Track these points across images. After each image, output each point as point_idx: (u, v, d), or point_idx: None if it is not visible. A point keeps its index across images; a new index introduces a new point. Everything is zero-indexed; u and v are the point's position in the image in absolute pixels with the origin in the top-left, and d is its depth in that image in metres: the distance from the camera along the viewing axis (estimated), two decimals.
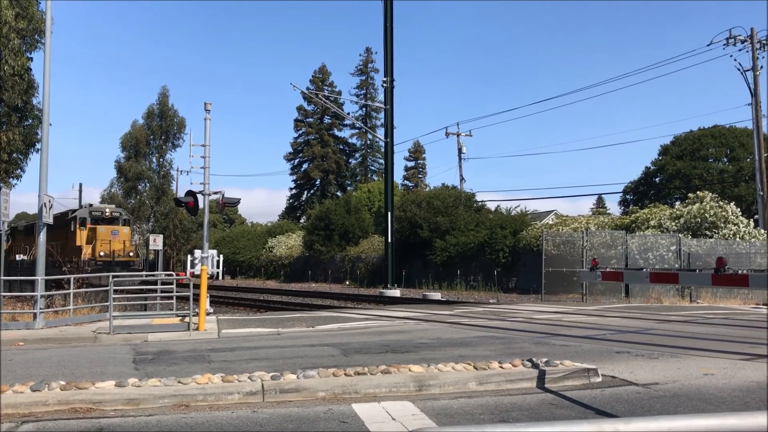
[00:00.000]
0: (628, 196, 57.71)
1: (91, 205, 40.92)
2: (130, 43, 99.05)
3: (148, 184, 62.93)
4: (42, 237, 15.50)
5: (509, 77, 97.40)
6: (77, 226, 37.44)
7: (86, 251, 36.11)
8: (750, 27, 33.51)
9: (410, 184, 75.85)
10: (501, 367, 7.97)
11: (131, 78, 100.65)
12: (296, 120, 64.71)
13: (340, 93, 61.23)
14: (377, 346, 11.15)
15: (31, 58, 23.16)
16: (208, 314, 15.08)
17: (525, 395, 7.25)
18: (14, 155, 23.88)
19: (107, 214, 38.25)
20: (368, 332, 13.73)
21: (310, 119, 64.28)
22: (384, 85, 30.79)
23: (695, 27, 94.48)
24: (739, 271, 8.21)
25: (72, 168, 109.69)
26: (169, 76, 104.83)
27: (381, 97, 42.35)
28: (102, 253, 35.85)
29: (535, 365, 8.02)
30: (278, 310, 21.65)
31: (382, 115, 45.16)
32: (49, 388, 7.07)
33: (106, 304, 15.02)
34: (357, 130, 66.36)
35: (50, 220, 15.67)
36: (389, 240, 34.70)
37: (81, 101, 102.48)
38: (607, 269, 9.92)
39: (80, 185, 65.95)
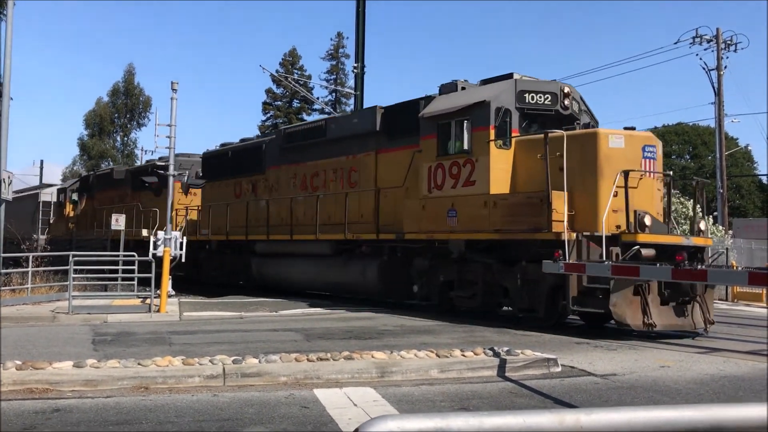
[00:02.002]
0: None
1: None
2: (96, 19, 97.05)
3: (111, 163, 61.85)
4: (1, 214, 15.12)
5: (483, 66, 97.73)
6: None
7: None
8: (716, 27, 34.02)
9: None
10: (463, 355, 8.04)
11: (97, 54, 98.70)
12: (265, 103, 64.08)
13: (310, 77, 60.80)
14: (341, 332, 11.15)
15: None
16: (170, 296, 14.91)
17: (486, 383, 7.32)
18: None
19: None
20: (332, 318, 13.72)
21: (279, 102, 63.73)
22: (355, 71, 30.60)
23: (667, 24, 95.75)
24: (699, 266, 8.39)
25: (33, 144, 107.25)
26: (136, 54, 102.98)
27: (351, 83, 42.15)
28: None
29: (496, 354, 8.10)
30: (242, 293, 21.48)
31: (352, 101, 44.92)
32: (4, 367, 6.91)
33: (66, 283, 14.75)
34: (326, 115, 66.09)
35: (9, 197, 15.30)
36: None
37: (44, 76, 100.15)
38: (570, 261, 10.04)
39: (41, 162, 64.51)
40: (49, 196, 36.57)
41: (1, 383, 6.55)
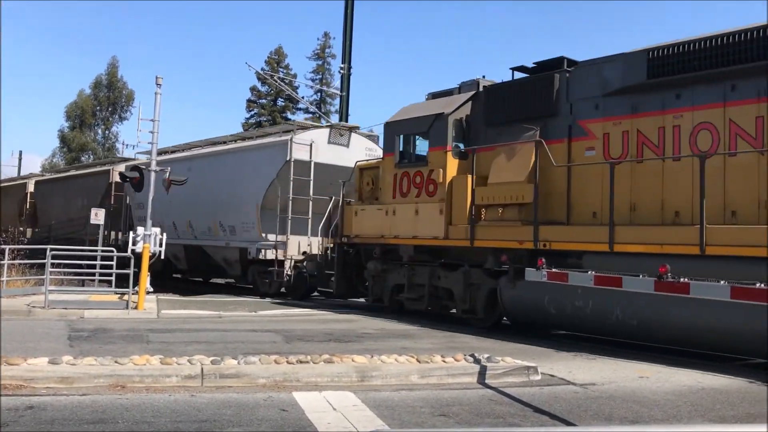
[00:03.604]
0: None
1: None
2: (80, 12, 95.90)
3: (92, 156, 61.19)
4: None
5: (478, 66, 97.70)
6: None
7: None
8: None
9: None
10: (443, 361, 8.02)
11: (80, 46, 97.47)
12: (249, 100, 63.70)
13: (295, 76, 60.51)
14: (320, 334, 11.09)
15: None
16: (148, 293, 14.75)
17: (466, 390, 7.31)
18: None
19: None
20: (312, 320, 13.66)
21: (263, 101, 63.39)
22: (341, 71, 30.55)
23: (666, 25, 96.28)
24: (682, 279, 8.42)
25: (12, 134, 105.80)
26: (119, 46, 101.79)
27: (337, 83, 42.03)
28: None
29: (477, 360, 8.09)
30: (221, 291, 21.37)
31: (337, 101, 44.88)
32: None
33: (42, 277, 14.54)
34: (311, 115, 65.94)
35: None
36: None
37: (25, 66, 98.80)
38: (553, 269, 10.04)
39: (20, 153, 63.50)
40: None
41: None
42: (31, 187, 33.83)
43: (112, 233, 26.22)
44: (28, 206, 33.29)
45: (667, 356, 10.15)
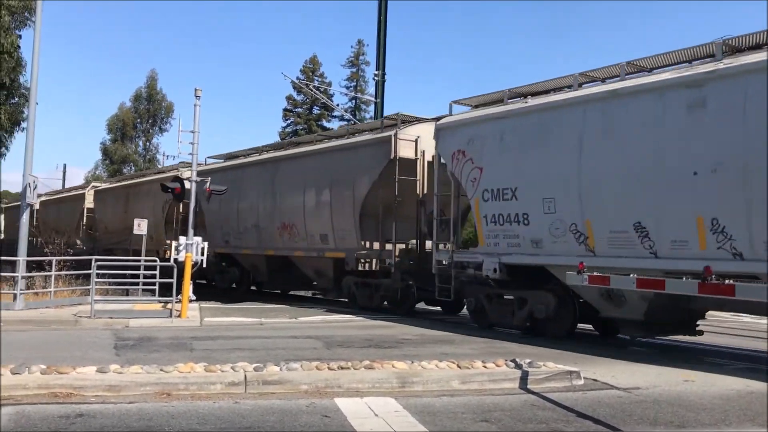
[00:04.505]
0: None
1: None
2: (120, 26, 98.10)
3: (133, 168, 62.39)
4: (25, 218, 15.30)
5: (507, 76, 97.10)
6: None
7: None
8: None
9: None
10: (484, 367, 7.98)
11: (119, 60, 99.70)
12: (285, 109, 64.29)
13: (330, 84, 60.85)
14: (360, 340, 11.14)
15: (20, 36, 22.87)
16: (191, 302, 14.99)
17: (508, 396, 7.27)
18: None
19: None
20: (351, 326, 13.71)
21: (299, 109, 63.92)
22: (375, 78, 30.70)
23: (667, 24, 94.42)
24: (727, 281, 8.25)
25: (56, 148, 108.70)
26: (158, 59, 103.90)
27: (371, 90, 42.19)
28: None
29: (518, 366, 8.04)
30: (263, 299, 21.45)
31: (371, 108, 45.03)
32: (30, 371, 6.99)
33: (88, 287, 14.88)
34: (346, 122, 66.33)
35: (34, 200, 15.47)
36: None
37: (68, 81, 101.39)
38: (594, 273, 9.91)
39: (64, 166, 65.19)
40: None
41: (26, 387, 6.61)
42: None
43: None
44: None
45: (711, 359, 9.95)
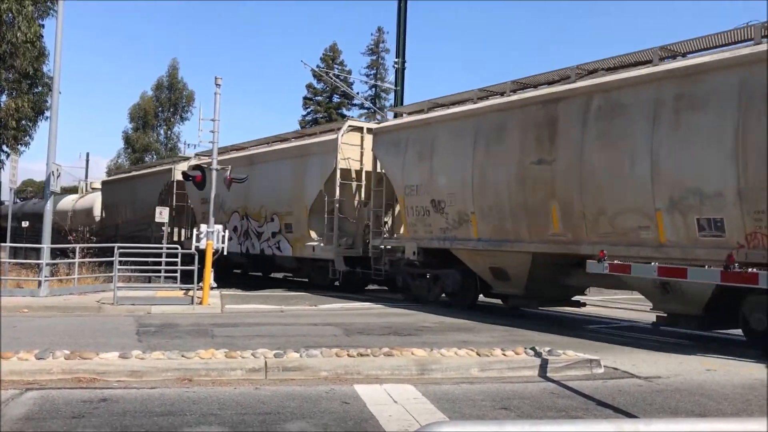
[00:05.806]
0: None
1: None
2: (142, 16, 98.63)
3: (155, 156, 62.88)
4: (49, 205, 15.49)
5: (528, 59, 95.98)
6: None
7: None
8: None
9: None
10: (504, 355, 7.98)
11: (141, 50, 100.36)
12: (305, 98, 64.33)
13: (350, 72, 60.81)
14: (380, 328, 11.17)
15: (43, 25, 23.01)
16: (212, 289, 15.11)
17: (527, 383, 7.26)
18: (23, 122, 23.74)
19: None
20: (371, 313, 13.76)
21: (319, 98, 63.93)
22: (395, 66, 30.52)
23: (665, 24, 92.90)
24: (750, 269, 8.16)
25: (79, 137, 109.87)
26: (179, 48, 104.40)
27: (391, 77, 42.03)
28: None
29: (537, 354, 8.02)
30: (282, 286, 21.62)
31: (391, 95, 44.87)
32: (54, 356, 7.11)
33: (111, 274, 15.06)
34: (366, 110, 66.22)
35: (57, 189, 15.66)
36: None
37: (89, 71, 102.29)
38: (615, 262, 9.85)
39: (87, 155, 65.81)
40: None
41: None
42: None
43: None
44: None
45: (733, 348, 9.85)
